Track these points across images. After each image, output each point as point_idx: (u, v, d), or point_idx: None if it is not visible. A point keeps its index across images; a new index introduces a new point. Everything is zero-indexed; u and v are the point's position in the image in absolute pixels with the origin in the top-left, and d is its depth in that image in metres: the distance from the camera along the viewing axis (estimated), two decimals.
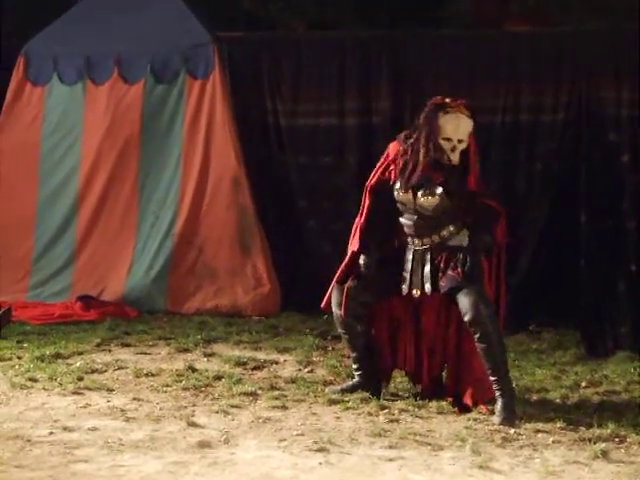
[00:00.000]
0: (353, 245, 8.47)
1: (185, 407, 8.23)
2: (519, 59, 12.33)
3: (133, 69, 13.15)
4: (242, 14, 17.27)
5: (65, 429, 7.49)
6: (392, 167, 8.41)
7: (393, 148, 8.48)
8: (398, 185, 8.26)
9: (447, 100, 8.33)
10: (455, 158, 8.15)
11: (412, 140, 8.29)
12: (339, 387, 8.80)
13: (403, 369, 8.85)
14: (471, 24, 17.00)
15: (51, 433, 7.39)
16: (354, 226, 8.62)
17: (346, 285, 8.41)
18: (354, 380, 8.77)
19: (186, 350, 10.40)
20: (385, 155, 8.54)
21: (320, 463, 6.80)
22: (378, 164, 8.60)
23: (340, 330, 8.76)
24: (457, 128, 8.16)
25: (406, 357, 8.70)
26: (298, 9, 20.62)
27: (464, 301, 8.02)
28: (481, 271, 8.14)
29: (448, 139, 8.12)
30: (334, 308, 8.60)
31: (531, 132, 11.56)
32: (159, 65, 13.11)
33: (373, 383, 8.68)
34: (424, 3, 18.28)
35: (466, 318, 8.00)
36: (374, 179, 8.53)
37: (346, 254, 8.69)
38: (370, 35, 13.53)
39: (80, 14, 13.57)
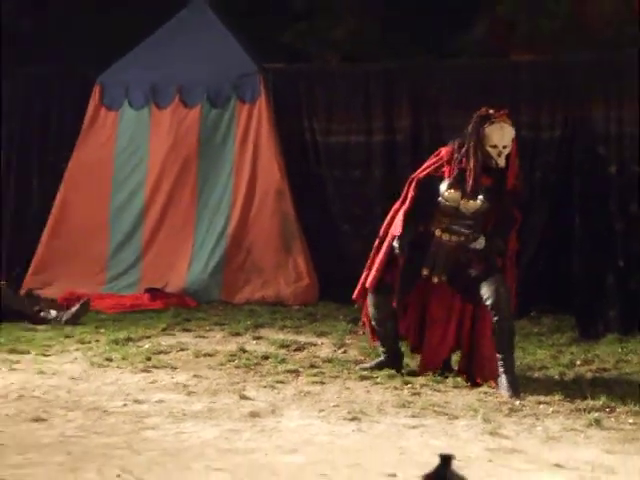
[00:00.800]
0: (396, 230, 8.36)
1: (237, 383, 8.22)
2: (521, 84, 12.32)
3: (191, 95, 13.17)
4: (283, 48, 17.26)
5: (136, 401, 7.51)
6: (445, 168, 8.35)
7: (447, 151, 8.42)
8: (447, 184, 8.21)
9: (491, 111, 8.32)
10: (502, 162, 8.18)
11: (464, 149, 8.23)
12: (368, 365, 8.81)
13: (405, 338, 8.87)
14: (481, 53, 16.97)
15: (124, 405, 7.40)
16: (392, 213, 8.57)
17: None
18: (381, 359, 8.76)
19: (237, 334, 10.40)
20: (438, 156, 8.48)
21: (353, 430, 6.79)
22: (429, 162, 8.53)
23: (372, 311, 8.71)
24: (502, 136, 8.18)
25: (409, 328, 8.75)
26: (331, 43, 20.60)
27: (487, 288, 8.03)
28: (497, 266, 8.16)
29: (494, 146, 8.13)
30: (374, 298, 8.56)
31: (532, 147, 11.45)
32: (213, 92, 13.14)
33: (398, 361, 8.69)
34: (440, 36, 18.27)
35: (488, 302, 8.00)
36: (423, 174, 8.46)
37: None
38: (393, 66, 13.45)
39: (146, 48, 13.60)
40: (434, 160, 8.50)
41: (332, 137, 13.03)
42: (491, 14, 19.99)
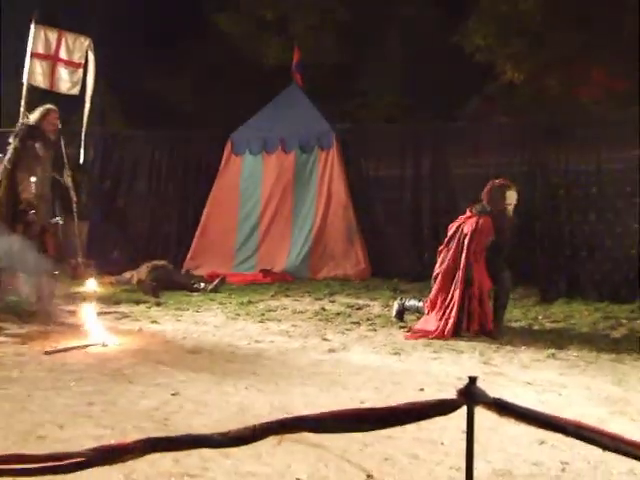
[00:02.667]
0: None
1: (320, 330, 8.25)
2: (501, 138, 12.23)
3: (289, 145, 13.18)
4: (348, 114, 17.35)
5: (256, 341, 7.57)
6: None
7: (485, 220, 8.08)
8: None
9: (508, 182, 8.38)
10: (511, 213, 8.22)
11: (489, 209, 8.16)
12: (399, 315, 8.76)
13: None
14: (474, 118, 16.96)
15: (248, 344, 7.48)
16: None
17: None
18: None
19: (319, 299, 10.38)
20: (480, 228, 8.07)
21: (395, 361, 6.80)
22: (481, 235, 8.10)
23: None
24: (513, 197, 8.23)
25: None
26: (377, 111, 20.65)
27: (490, 268, 8.00)
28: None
29: (510, 204, 8.17)
30: None
31: (509, 177, 11.39)
32: (303, 143, 13.11)
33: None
34: (448, 106, 18.29)
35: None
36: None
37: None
38: (419, 127, 13.45)
39: (261, 115, 13.68)
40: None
41: (379, 172, 13.03)
42: (481, 94, 20.08)
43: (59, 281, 8.87)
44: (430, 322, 8.07)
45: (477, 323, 7.97)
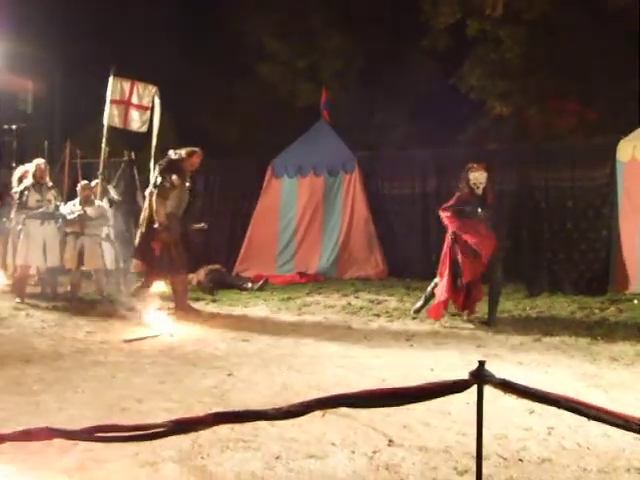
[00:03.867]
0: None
1: (346, 321, 8.25)
2: (493, 161, 12.12)
3: (319, 170, 13.16)
4: (367, 143, 17.37)
5: (294, 331, 7.56)
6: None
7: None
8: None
9: (473, 165, 8.24)
10: (479, 192, 8.06)
11: (459, 187, 8.26)
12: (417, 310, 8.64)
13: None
14: (470, 144, 16.92)
15: (288, 333, 7.45)
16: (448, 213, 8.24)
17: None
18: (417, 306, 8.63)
19: (346, 295, 10.33)
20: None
21: (409, 346, 6.80)
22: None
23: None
24: (478, 177, 8.08)
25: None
26: (391, 140, 20.67)
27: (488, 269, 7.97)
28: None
29: (475, 184, 8.05)
30: None
31: (499, 194, 11.29)
32: (330, 168, 13.07)
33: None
34: (449, 135, 18.27)
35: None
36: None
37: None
38: (425, 152, 13.39)
39: (295, 145, 13.66)
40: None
41: (393, 190, 12.96)
42: (475, 125, 20.05)
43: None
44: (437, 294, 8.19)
45: (462, 302, 8.12)
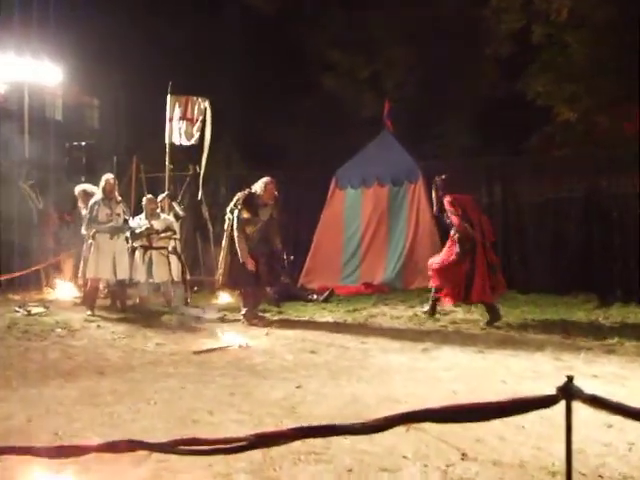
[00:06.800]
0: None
1: (413, 331, 8.18)
2: (561, 167, 11.93)
3: (383, 180, 13.16)
4: (429, 154, 17.27)
5: (362, 342, 7.54)
6: None
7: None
8: None
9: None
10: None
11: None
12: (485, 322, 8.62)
13: None
14: (536, 151, 16.64)
15: (356, 344, 7.44)
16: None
17: None
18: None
19: (412, 306, 10.18)
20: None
21: (480, 358, 6.67)
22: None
23: None
24: None
25: None
26: (453, 150, 20.54)
27: None
28: None
29: None
30: None
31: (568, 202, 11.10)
32: (395, 178, 13.04)
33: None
34: (513, 143, 18.04)
35: None
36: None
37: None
38: (489, 160, 13.26)
39: (359, 156, 13.68)
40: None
41: None
42: (541, 131, 19.70)
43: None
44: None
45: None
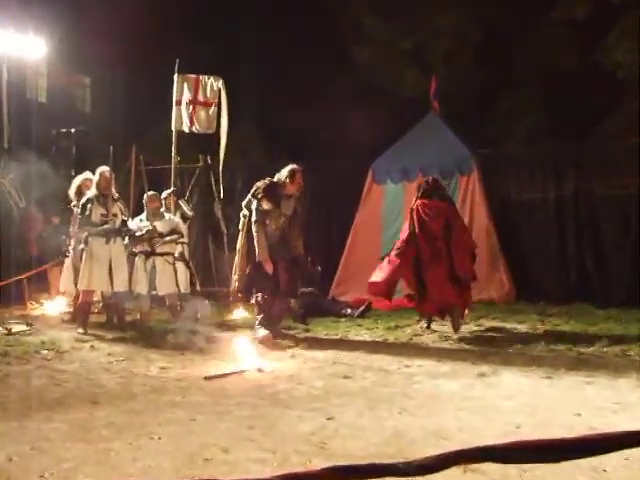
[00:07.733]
0: None
1: (466, 352, 8.14)
2: None
3: (429, 172, 13.03)
4: (487, 139, 17.19)
5: (405, 365, 7.49)
6: None
7: None
8: None
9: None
10: None
11: None
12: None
13: None
14: (615, 136, 16.45)
15: (398, 368, 7.43)
16: None
17: None
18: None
19: (465, 322, 9.93)
20: None
21: (547, 385, 6.63)
22: None
23: None
24: None
25: None
26: (514, 135, 20.41)
27: None
28: None
29: None
30: None
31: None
32: (443, 169, 12.97)
33: None
34: (588, 125, 17.87)
35: None
36: None
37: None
38: (558, 148, 13.18)
39: (399, 145, 13.76)
40: None
41: (522, 194, 12.87)
42: (621, 112, 19.45)
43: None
44: None
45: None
